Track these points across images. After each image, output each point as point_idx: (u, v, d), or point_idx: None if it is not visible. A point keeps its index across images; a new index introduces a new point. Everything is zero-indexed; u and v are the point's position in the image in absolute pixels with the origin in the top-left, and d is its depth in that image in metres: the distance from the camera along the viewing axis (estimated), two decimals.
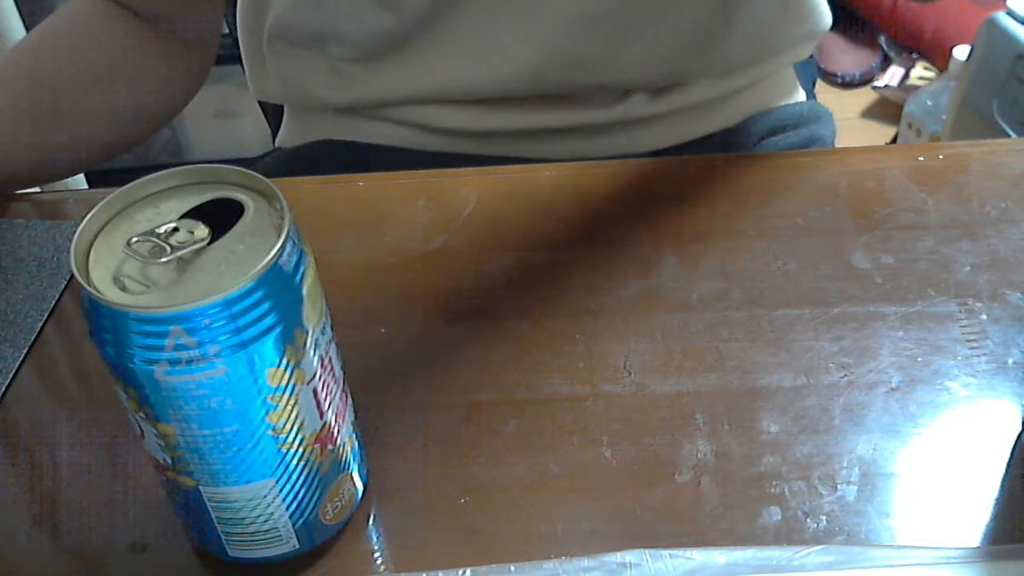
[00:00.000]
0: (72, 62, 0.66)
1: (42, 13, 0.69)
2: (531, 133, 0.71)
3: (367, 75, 0.70)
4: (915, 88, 1.96)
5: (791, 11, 0.72)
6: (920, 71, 2.05)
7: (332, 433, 0.39)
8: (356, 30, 0.68)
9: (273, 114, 1.05)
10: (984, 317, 0.49)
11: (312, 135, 0.77)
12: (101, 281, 0.34)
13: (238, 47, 0.79)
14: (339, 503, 0.41)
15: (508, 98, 0.69)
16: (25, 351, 0.51)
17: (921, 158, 0.60)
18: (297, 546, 0.40)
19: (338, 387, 0.39)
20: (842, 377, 0.47)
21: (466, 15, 0.66)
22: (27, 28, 1.32)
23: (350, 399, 0.41)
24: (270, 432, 0.36)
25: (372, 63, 0.69)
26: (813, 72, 1.05)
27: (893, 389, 0.46)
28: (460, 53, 0.67)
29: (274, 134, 1.02)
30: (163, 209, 0.36)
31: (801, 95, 0.81)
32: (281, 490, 0.38)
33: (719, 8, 0.66)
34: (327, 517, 0.41)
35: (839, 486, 0.43)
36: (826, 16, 0.75)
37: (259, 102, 1.06)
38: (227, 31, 1.01)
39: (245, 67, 0.79)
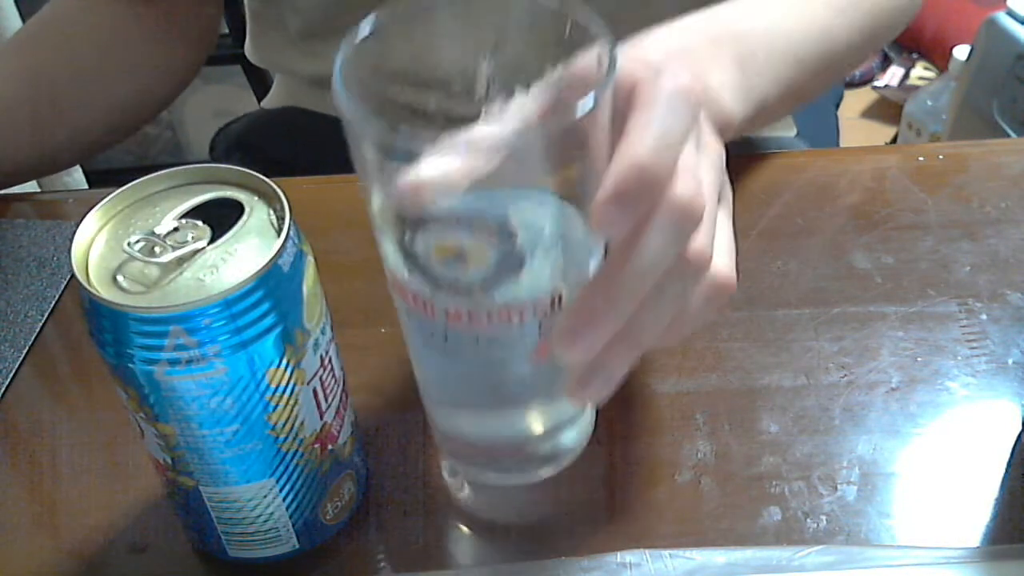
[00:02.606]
0: (70, 55, 0.66)
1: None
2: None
3: (327, 49, 0.70)
4: (915, 88, 1.96)
5: None
6: (920, 71, 2.05)
7: (332, 433, 0.39)
8: (302, 2, 0.68)
9: (257, 80, 1.06)
10: (984, 317, 0.49)
11: (298, 102, 0.78)
12: (101, 281, 0.34)
13: (237, 47, 0.79)
14: (339, 503, 0.41)
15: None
16: (25, 351, 0.51)
17: (921, 158, 0.60)
18: (297, 546, 0.40)
19: (338, 387, 0.39)
20: (842, 377, 0.47)
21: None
22: None
23: (350, 399, 0.41)
24: (270, 432, 0.36)
25: (330, 37, 0.70)
26: (840, 90, 1.04)
27: (893, 389, 0.46)
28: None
29: (257, 96, 1.03)
30: (163, 209, 0.36)
31: (791, 131, 0.81)
32: (281, 490, 0.38)
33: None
34: (327, 517, 0.41)
35: (839, 486, 0.43)
36: None
37: (243, 67, 1.07)
38: (226, 31, 1.02)
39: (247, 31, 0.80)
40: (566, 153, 0.32)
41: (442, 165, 0.32)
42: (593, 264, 0.37)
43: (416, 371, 0.42)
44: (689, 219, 0.33)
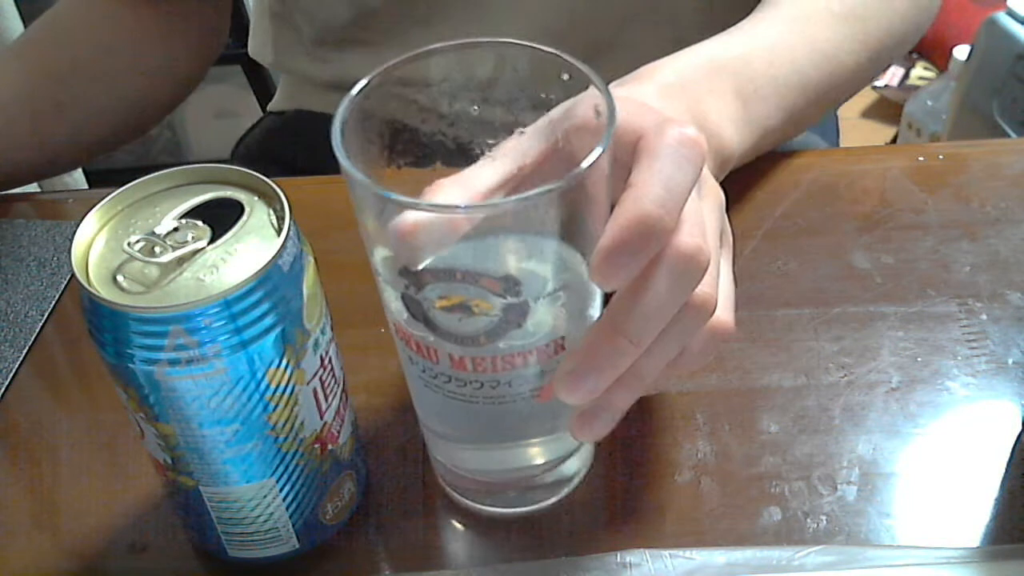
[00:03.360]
0: (71, 53, 0.66)
1: (42, 13, 0.69)
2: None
3: (338, 56, 0.70)
4: (915, 88, 1.96)
5: None
6: (920, 71, 2.05)
7: (332, 433, 0.39)
8: (320, 14, 0.68)
9: (257, 80, 1.06)
10: (984, 317, 0.49)
11: (305, 104, 0.78)
12: (101, 281, 0.34)
13: (237, 47, 0.79)
14: (339, 503, 0.41)
15: None
16: (25, 351, 0.51)
17: (921, 158, 0.60)
18: (297, 546, 0.40)
19: (338, 387, 0.39)
20: (842, 377, 0.47)
21: (424, 24, 0.66)
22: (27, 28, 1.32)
23: (350, 399, 0.41)
24: (270, 432, 0.36)
25: (343, 47, 0.70)
26: None
27: (893, 389, 0.46)
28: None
29: (257, 96, 1.02)
30: (163, 209, 0.36)
31: None
32: (281, 490, 0.38)
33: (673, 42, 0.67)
34: (327, 517, 0.41)
35: (839, 486, 0.43)
36: None
37: (243, 67, 1.06)
38: None
39: (250, 27, 0.80)
40: (568, 202, 0.33)
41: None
42: (595, 306, 0.37)
43: (416, 407, 0.42)
44: (695, 269, 0.33)
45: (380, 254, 0.35)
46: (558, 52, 0.36)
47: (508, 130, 0.38)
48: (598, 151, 0.32)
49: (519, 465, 0.42)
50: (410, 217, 0.32)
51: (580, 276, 0.35)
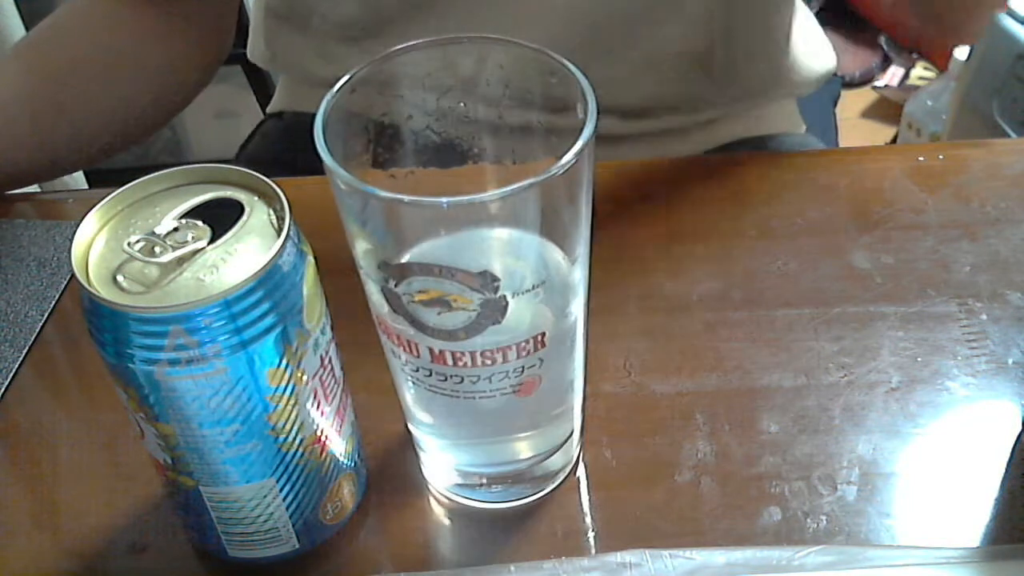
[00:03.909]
0: (71, 52, 0.66)
1: (42, 13, 0.69)
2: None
3: (348, 55, 0.71)
4: (915, 88, 1.96)
5: (776, 68, 0.72)
6: (920, 71, 2.05)
7: (332, 433, 0.39)
8: (332, 11, 0.69)
9: (257, 81, 1.06)
10: (984, 317, 0.49)
11: (303, 105, 0.78)
12: (101, 281, 0.34)
13: (238, 47, 0.79)
14: (339, 503, 0.41)
15: None
16: (25, 351, 0.51)
17: (921, 158, 0.60)
18: (297, 546, 0.40)
19: (338, 387, 0.39)
20: (842, 377, 0.47)
21: (435, 20, 0.66)
22: (27, 28, 1.32)
23: (350, 399, 0.41)
24: (270, 432, 0.36)
25: (351, 45, 0.70)
26: (837, 88, 1.05)
27: (893, 389, 0.46)
28: None
29: (257, 96, 1.02)
30: (163, 209, 0.36)
31: (801, 127, 0.81)
32: (281, 490, 0.38)
33: (695, 57, 0.67)
34: (327, 517, 0.41)
35: (839, 486, 0.43)
36: (829, 62, 0.76)
37: (243, 67, 1.06)
38: None
39: (250, 30, 0.80)
40: (549, 197, 0.33)
41: None
42: (577, 304, 0.38)
43: (402, 401, 0.42)
44: None
45: (361, 247, 0.35)
46: (542, 49, 0.36)
47: (493, 127, 0.38)
48: (578, 147, 0.32)
49: (503, 460, 0.42)
50: None
51: (560, 273, 0.35)
